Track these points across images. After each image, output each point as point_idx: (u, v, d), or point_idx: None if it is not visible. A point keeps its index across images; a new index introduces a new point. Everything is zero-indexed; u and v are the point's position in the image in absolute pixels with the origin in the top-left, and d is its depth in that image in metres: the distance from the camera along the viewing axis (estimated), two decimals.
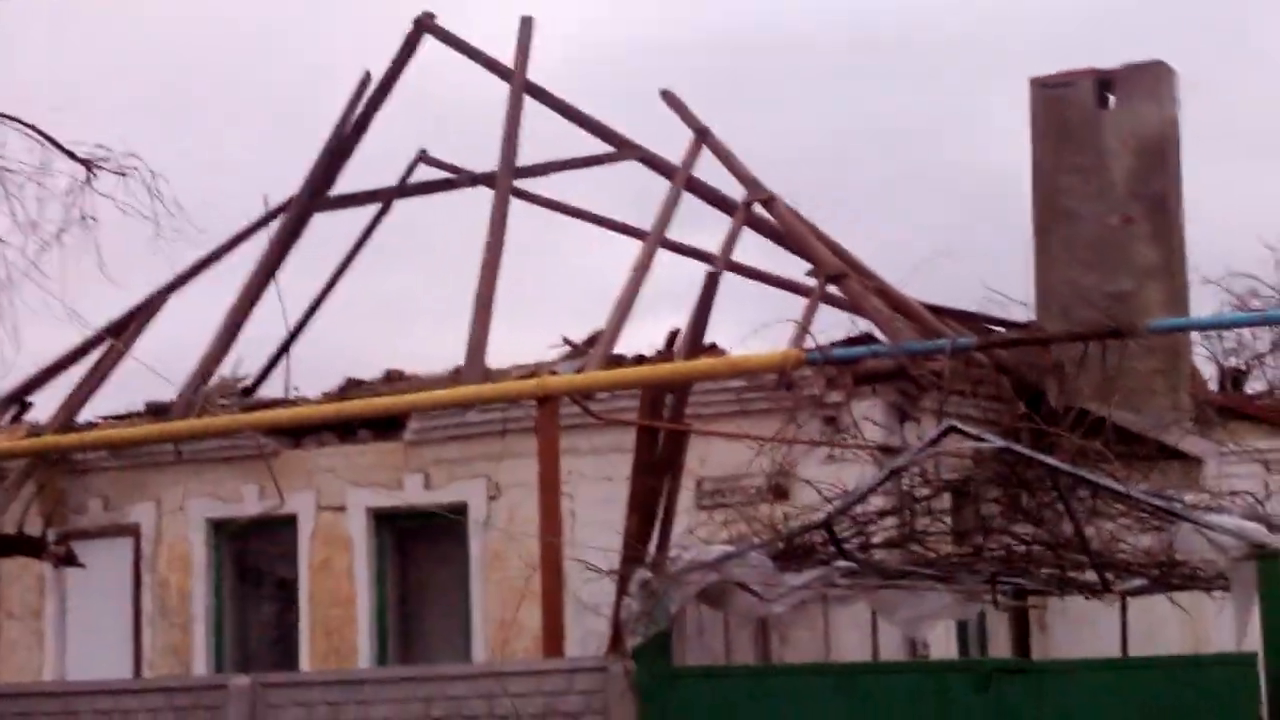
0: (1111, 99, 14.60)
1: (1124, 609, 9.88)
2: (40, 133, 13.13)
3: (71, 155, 13.17)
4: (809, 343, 11.85)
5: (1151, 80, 14.53)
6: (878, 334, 13.25)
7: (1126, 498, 8.65)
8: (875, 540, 9.97)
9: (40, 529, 14.16)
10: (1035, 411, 11.01)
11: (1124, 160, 14.33)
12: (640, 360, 13.42)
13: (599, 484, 12.40)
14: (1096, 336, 9.85)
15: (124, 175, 13.19)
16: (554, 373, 13.17)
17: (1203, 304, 20.03)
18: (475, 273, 14.22)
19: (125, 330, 15.63)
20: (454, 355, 14.13)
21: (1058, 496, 8.75)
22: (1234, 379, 18.14)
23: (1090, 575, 9.24)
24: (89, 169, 13.29)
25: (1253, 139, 30.19)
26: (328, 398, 14.75)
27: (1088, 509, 8.89)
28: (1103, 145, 14.38)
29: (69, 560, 13.23)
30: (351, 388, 14.93)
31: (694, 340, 12.03)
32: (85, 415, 15.47)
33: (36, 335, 14.31)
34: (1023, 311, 14.66)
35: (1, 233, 13.37)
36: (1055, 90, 14.57)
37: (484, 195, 15.25)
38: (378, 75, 16.08)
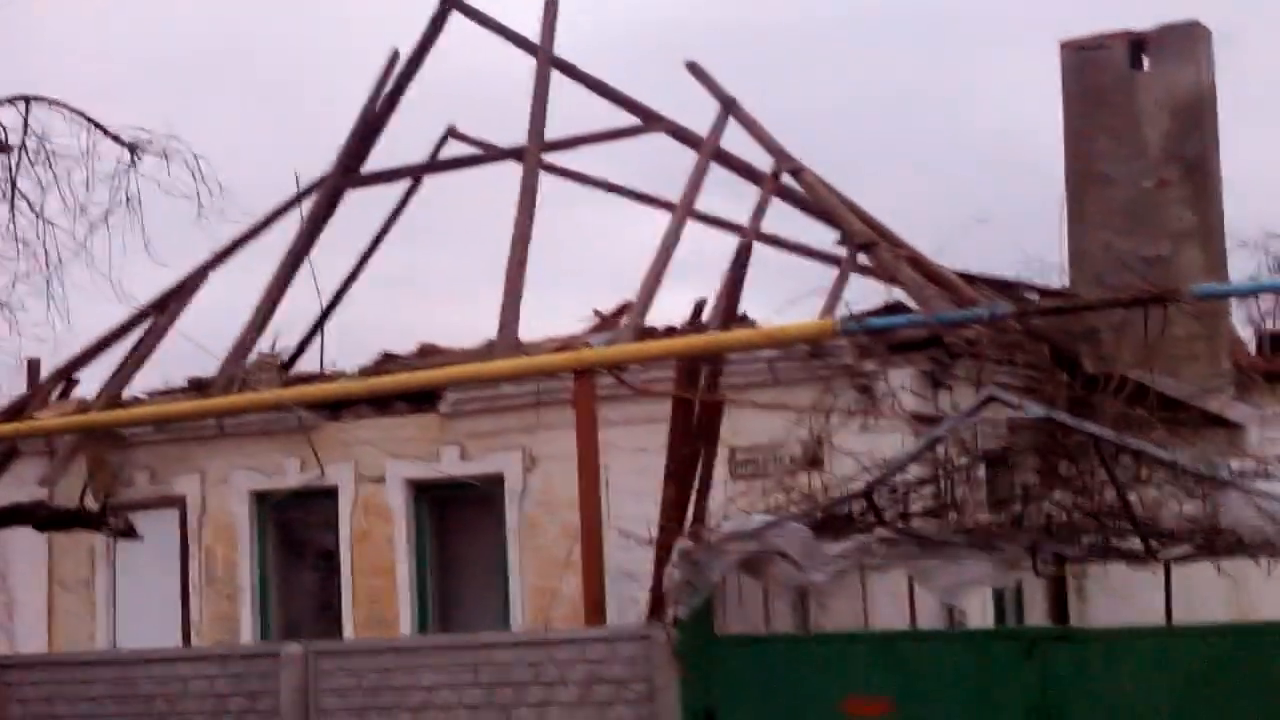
0: (1145, 60, 14.46)
1: (1168, 577, 9.77)
2: (86, 117, 13.30)
3: (117, 139, 13.35)
4: (842, 312, 11.78)
5: (1186, 41, 14.34)
6: (909, 302, 13.23)
7: (1172, 465, 8.60)
8: (913, 509, 9.99)
9: (95, 502, 14.28)
10: (1071, 378, 10.95)
11: (1159, 123, 14.21)
12: (671, 331, 13.41)
13: (632, 454, 12.33)
14: (1139, 302, 9.67)
15: (167, 158, 13.34)
16: (588, 345, 13.20)
17: (1239, 267, 19.98)
18: (505, 246, 14.25)
19: (167, 307, 15.75)
20: (486, 328, 14.23)
21: (1100, 464, 8.74)
22: (1272, 342, 18.00)
23: (1133, 542, 9.21)
24: (133, 152, 13.45)
25: None
26: (364, 372, 14.79)
27: (1130, 476, 8.86)
28: (1137, 108, 14.26)
29: (128, 533, 13.34)
30: (386, 362, 14.97)
31: (727, 311, 12.00)
32: (130, 390, 15.58)
33: (86, 313, 14.57)
34: (1054, 277, 14.58)
35: (51, 215, 13.57)
36: (1087, 53, 14.43)
37: (513, 170, 15.26)
38: (406, 53, 16.11)
